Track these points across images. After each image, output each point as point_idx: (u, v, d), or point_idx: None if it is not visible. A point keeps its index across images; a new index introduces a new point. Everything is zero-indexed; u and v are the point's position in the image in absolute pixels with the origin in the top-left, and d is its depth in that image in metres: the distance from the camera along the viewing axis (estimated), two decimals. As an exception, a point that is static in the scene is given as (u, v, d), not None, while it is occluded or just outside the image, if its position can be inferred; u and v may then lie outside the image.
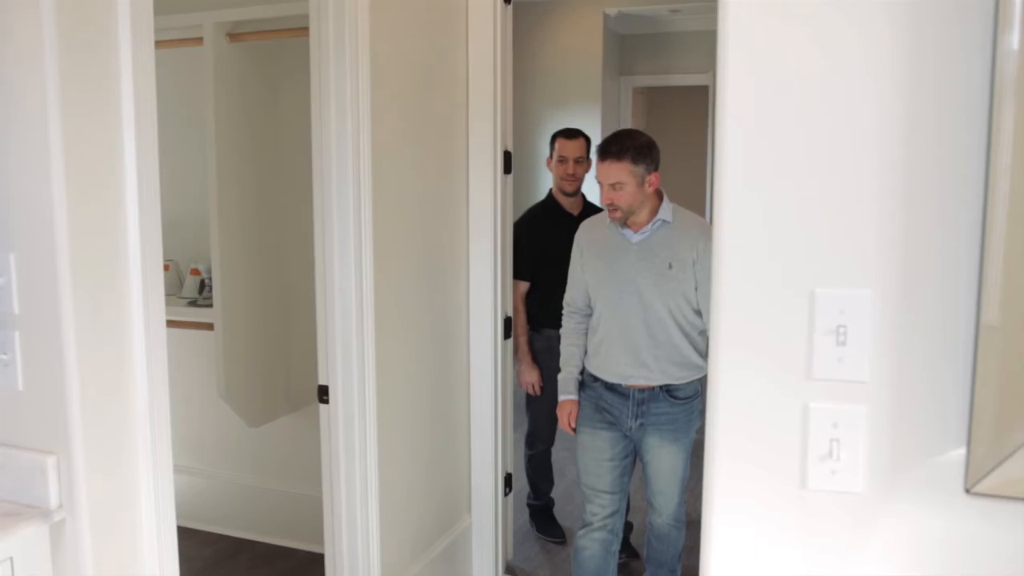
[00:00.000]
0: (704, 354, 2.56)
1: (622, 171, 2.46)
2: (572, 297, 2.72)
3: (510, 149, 3.17)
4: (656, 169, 2.51)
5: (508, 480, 3.32)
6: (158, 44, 3.11)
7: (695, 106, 7.55)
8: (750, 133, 1.03)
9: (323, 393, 2.48)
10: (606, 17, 6.76)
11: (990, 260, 0.92)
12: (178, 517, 3.59)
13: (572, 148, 3.40)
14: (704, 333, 2.55)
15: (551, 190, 3.50)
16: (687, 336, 2.55)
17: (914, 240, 0.98)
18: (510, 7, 3.10)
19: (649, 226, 2.53)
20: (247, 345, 3.23)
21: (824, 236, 1.02)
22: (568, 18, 6.83)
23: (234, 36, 3.04)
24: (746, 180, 1.04)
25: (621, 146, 2.47)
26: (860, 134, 0.99)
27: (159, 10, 3.00)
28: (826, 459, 1.04)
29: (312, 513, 2.78)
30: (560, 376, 2.75)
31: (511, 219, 3.24)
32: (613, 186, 2.47)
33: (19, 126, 1.46)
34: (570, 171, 3.40)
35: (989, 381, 0.93)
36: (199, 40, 2.99)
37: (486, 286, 3.09)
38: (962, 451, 0.97)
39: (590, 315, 2.67)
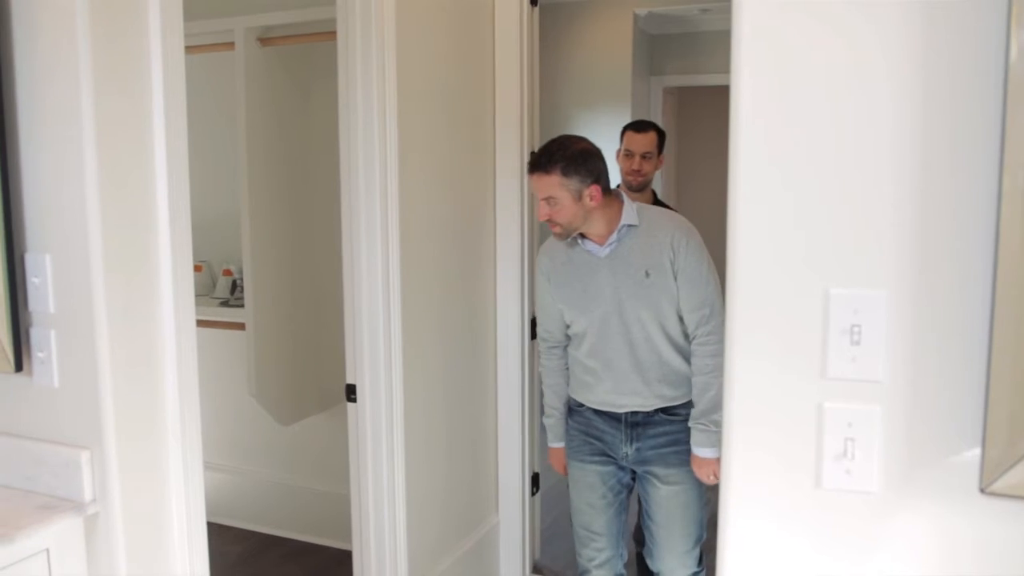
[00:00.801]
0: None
1: (552, 185, 2.18)
2: (548, 329, 2.45)
3: (536, 150, 3.18)
4: (596, 181, 2.19)
5: (535, 480, 3.33)
6: (191, 49, 3.19)
7: (726, 105, 7.48)
8: (763, 135, 1.04)
9: (351, 392, 2.52)
10: (636, 17, 6.75)
11: (1004, 259, 0.91)
12: (210, 513, 3.66)
13: (640, 142, 3.14)
14: (710, 330, 2.27)
15: (618, 185, 3.12)
16: (678, 348, 2.29)
17: (928, 240, 0.98)
18: (537, 9, 3.12)
19: (614, 235, 2.25)
20: (278, 345, 3.28)
21: (838, 236, 1.02)
22: (598, 19, 6.83)
23: (265, 41, 3.10)
24: (760, 180, 1.05)
25: (550, 157, 2.19)
26: (875, 135, 1.00)
27: (191, 16, 3.07)
28: (841, 458, 1.04)
29: (341, 511, 2.82)
30: (546, 422, 2.54)
31: (538, 220, 3.25)
32: (547, 200, 2.20)
33: (54, 132, 1.51)
34: (635, 166, 3.14)
35: (1004, 381, 0.93)
36: (231, 45, 3.05)
37: (513, 286, 3.11)
38: (977, 451, 0.97)
39: (568, 345, 2.43)
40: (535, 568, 3.36)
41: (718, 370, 2.20)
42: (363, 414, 2.50)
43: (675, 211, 3.12)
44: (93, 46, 1.47)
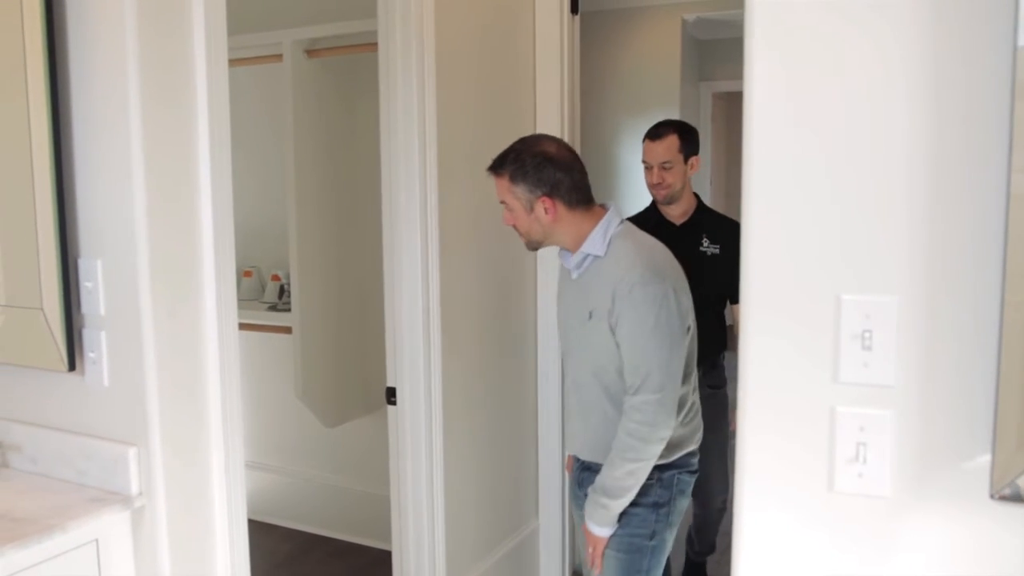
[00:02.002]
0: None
1: (503, 190, 1.95)
2: None
3: (578, 157, 3.21)
4: (550, 193, 1.90)
5: (575, 485, 3.35)
6: (241, 61, 3.29)
7: (776, 111, 7.42)
8: (775, 137, 1.06)
9: (391, 395, 2.58)
10: (684, 23, 6.73)
11: (1012, 262, 0.92)
12: (259, 512, 3.73)
13: (655, 152, 2.75)
14: (633, 405, 1.86)
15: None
16: (619, 407, 1.93)
17: (939, 246, 0.99)
18: (577, 17, 3.15)
19: (576, 260, 1.97)
20: (323, 348, 3.36)
21: (849, 242, 1.03)
22: (645, 25, 6.83)
23: (312, 52, 3.18)
24: (773, 184, 1.06)
25: (503, 159, 1.95)
26: (887, 142, 1.01)
27: (241, 29, 3.15)
28: (853, 462, 1.05)
29: (385, 512, 2.87)
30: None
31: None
32: (504, 204, 1.98)
33: (104, 145, 1.60)
34: (654, 180, 2.77)
35: (1013, 387, 0.93)
36: (279, 57, 3.15)
37: (553, 289, 3.13)
38: (988, 457, 0.97)
39: None
40: (575, 573, 3.38)
41: (631, 453, 1.86)
42: (403, 417, 2.55)
43: (725, 218, 2.87)
44: (141, 62, 1.55)
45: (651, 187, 2.80)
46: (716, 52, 7.35)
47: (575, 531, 3.40)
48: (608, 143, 6.70)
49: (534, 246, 2.04)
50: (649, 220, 2.74)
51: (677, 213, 2.84)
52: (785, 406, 1.08)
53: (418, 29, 2.37)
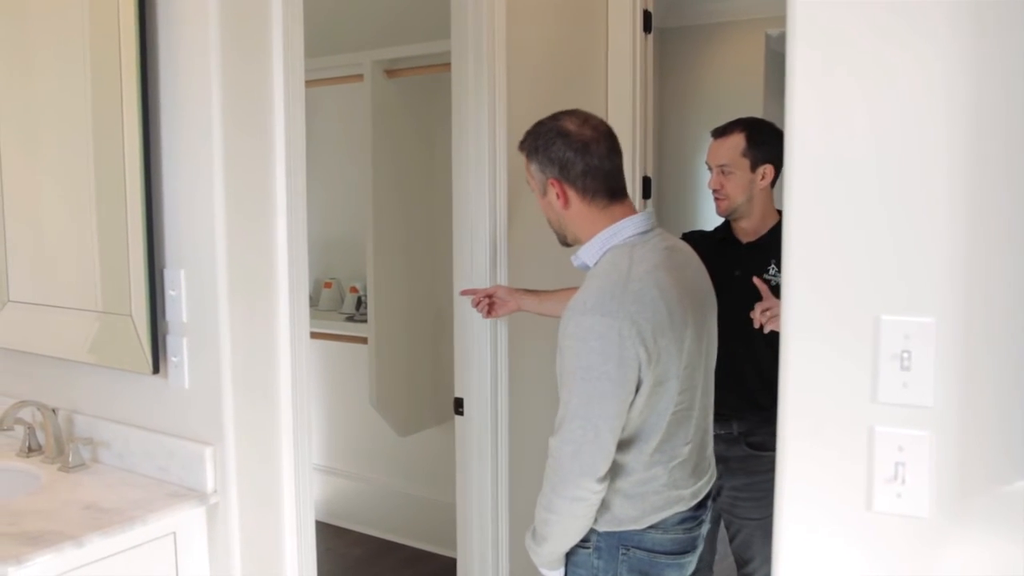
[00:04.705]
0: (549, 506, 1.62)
1: (524, 166, 1.70)
2: None
3: (650, 175, 3.22)
4: (560, 175, 1.62)
5: (643, 501, 3.34)
6: (325, 81, 3.41)
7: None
8: (818, 155, 1.07)
9: (459, 405, 2.64)
10: (768, 38, 6.65)
11: (1050, 289, 0.91)
12: (332, 516, 3.81)
13: (715, 152, 2.28)
14: (549, 447, 1.64)
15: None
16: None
17: (979, 267, 0.99)
18: (651, 36, 3.17)
19: (577, 264, 1.71)
20: (397, 359, 3.45)
21: (890, 262, 1.04)
22: (728, 41, 6.77)
23: (391, 72, 3.30)
24: (814, 204, 1.08)
25: (526, 133, 1.69)
26: (928, 161, 1.01)
27: (325, 51, 3.28)
28: (891, 482, 1.05)
29: (454, 521, 2.93)
30: None
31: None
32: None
33: (189, 165, 1.72)
34: (712, 184, 2.28)
35: (1051, 410, 0.92)
36: (360, 77, 3.27)
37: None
38: (1026, 481, 0.97)
39: None
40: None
41: (544, 499, 1.63)
42: (469, 427, 2.61)
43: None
44: (224, 90, 1.67)
45: (714, 195, 2.32)
46: (801, 67, 7.20)
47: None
48: (689, 160, 6.65)
49: (560, 239, 1.75)
50: (715, 235, 2.40)
51: (746, 230, 2.32)
52: (824, 426, 1.09)
53: (489, 50, 2.44)
